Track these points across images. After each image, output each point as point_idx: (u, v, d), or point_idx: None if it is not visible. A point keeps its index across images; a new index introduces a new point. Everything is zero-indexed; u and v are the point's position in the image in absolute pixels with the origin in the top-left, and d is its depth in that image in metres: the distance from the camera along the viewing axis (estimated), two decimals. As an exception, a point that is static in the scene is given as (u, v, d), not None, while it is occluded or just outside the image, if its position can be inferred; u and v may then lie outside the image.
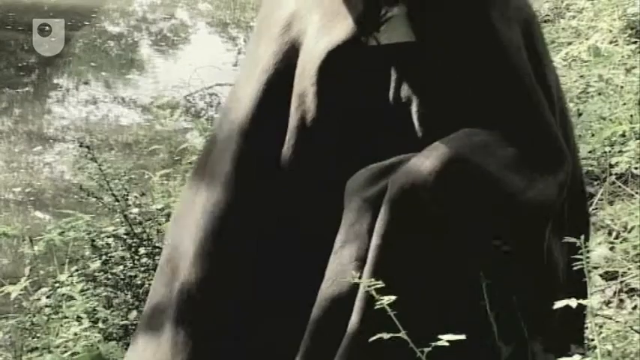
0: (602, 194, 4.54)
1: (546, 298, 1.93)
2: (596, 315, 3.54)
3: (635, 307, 3.71)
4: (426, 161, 1.85)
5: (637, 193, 4.46)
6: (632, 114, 5.23)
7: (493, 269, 1.85)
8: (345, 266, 1.82)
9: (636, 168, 4.65)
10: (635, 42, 6.76)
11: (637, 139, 4.83)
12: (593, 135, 5.06)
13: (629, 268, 3.90)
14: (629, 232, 4.08)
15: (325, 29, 2.00)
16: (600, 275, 3.85)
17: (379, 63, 1.98)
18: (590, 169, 4.75)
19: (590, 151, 4.86)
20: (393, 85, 1.98)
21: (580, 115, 5.46)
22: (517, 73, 1.98)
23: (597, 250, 3.91)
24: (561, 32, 7.52)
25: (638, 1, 7.22)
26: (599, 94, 5.89)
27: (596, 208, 4.46)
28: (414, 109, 1.95)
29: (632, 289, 3.82)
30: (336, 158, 1.99)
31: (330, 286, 1.84)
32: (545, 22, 7.97)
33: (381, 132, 1.98)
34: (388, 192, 1.83)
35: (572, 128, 2.16)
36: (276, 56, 2.04)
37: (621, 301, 3.74)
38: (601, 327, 3.54)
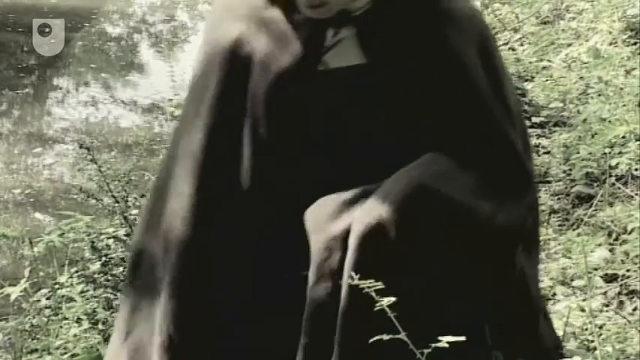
0: (601, 196, 4.54)
1: (523, 319, 1.91)
2: (596, 316, 3.54)
3: (635, 309, 3.71)
4: (389, 195, 1.80)
5: (637, 194, 4.46)
6: (632, 115, 5.23)
7: (466, 293, 1.82)
8: (322, 299, 1.79)
9: (636, 169, 4.65)
10: (635, 43, 6.76)
11: (637, 140, 4.83)
12: (592, 136, 5.06)
13: (628, 270, 3.90)
14: (629, 233, 4.08)
15: (273, 53, 1.94)
16: (600, 277, 3.84)
17: (331, 86, 1.92)
18: (589, 170, 4.75)
19: (589, 153, 4.86)
20: (346, 108, 1.91)
21: (580, 116, 5.46)
22: (477, 94, 1.92)
23: (597, 251, 3.91)
24: (561, 33, 7.52)
25: (637, 2, 7.22)
26: (599, 95, 5.89)
27: (596, 210, 4.46)
28: (368, 132, 1.90)
29: (632, 291, 3.82)
30: (293, 183, 1.94)
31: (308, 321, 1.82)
32: (544, 23, 7.97)
33: (337, 156, 1.91)
34: (355, 230, 1.78)
35: (530, 147, 2.13)
36: (225, 82, 1.97)
37: (621, 302, 3.74)
38: (601, 328, 3.54)
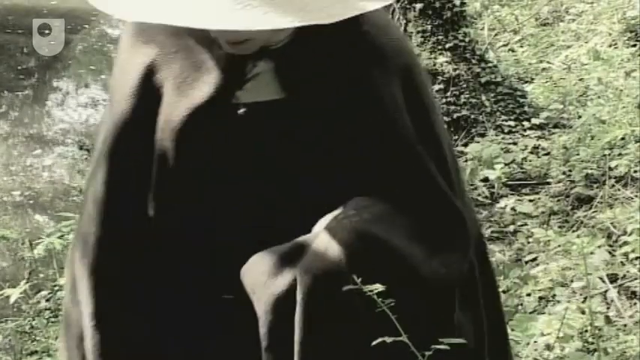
0: (601, 197, 4.54)
1: None
2: (596, 318, 3.54)
3: (635, 311, 3.71)
4: (332, 243, 1.71)
5: (636, 196, 4.46)
6: (632, 117, 5.23)
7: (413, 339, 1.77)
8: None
9: (636, 171, 4.65)
10: (635, 45, 6.77)
11: (636, 142, 4.83)
12: (592, 138, 5.06)
13: (628, 271, 3.90)
14: (629, 235, 4.08)
15: (186, 85, 1.81)
16: (600, 278, 3.85)
17: (246, 121, 1.80)
18: (589, 172, 4.76)
19: (589, 154, 4.86)
20: (261, 144, 1.81)
21: (579, 118, 5.47)
22: (399, 135, 1.81)
23: (597, 253, 3.91)
24: (561, 35, 7.52)
25: (637, 4, 7.23)
26: (599, 97, 5.90)
27: (596, 212, 4.46)
28: (284, 169, 1.80)
29: (632, 293, 3.82)
30: (203, 219, 1.85)
31: None
32: (544, 25, 7.98)
33: (254, 196, 1.83)
34: (300, 286, 1.70)
35: (463, 182, 1.99)
36: (135, 111, 1.85)
37: (621, 303, 3.74)
38: (600, 329, 3.54)
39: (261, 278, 1.75)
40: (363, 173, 1.80)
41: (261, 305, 1.74)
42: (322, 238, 1.74)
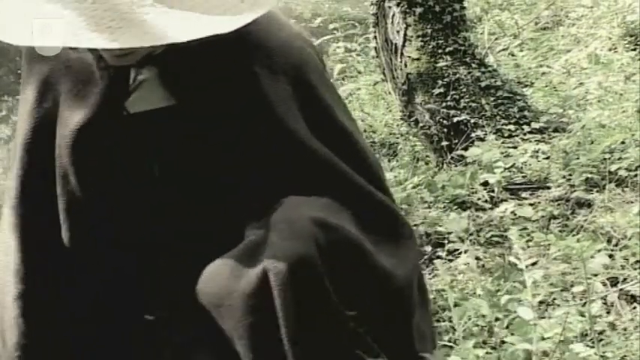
0: (601, 201, 4.54)
1: None
2: (596, 322, 3.54)
3: (635, 315, 3.70)
4: (293, 232, 1.66)
5: (637, 200, 4.46)
6: (632, 121, 5.23)
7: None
8: None
9: (636, 175, 4.65)
10: (635, 49, 6.76)
11: (637, 146, 4.83)
12: (592, 142, 5.06)
13: (628, 276, 3.90)
14: (629, 239, 4.08)
15: (77, 99, 1.78)
16: (600, 282, 3.84)
17: (137, 132, 1.77)
18: (589, 176, 4.75)
19: (589, 159, 4.86)
20: (155, 154, 1.78)
21: (579, 122, 5.47)
22: (291, 131, 1.77)
23: (597, 257, 3.91)
24: (560, 39, 7.52)
25: (637, 8, 7.22)
26: (599, 101, 5.90)
27: (596, 216, 4.46)
28: (186, 179, 1.77)
29: (633, 297, 3.81)
30: (113, 235, 1.81)
31: None
32: (544, 29, 7.97)
33: (159, 204, 1.79)
34: (275, 276, 1.64)
35: (378, 167, 1.88)
36: (34, 132, 1.83)
37: (621, 307, 3.74)
38: (601, 334, 3.53)
39: (225, 284, 1.68)
40: (264, 173, 1.77)
41: (234, 312, 1.67)
42: (281, 228, 1.69)
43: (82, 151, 1.77)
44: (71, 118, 1.78)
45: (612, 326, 3.61)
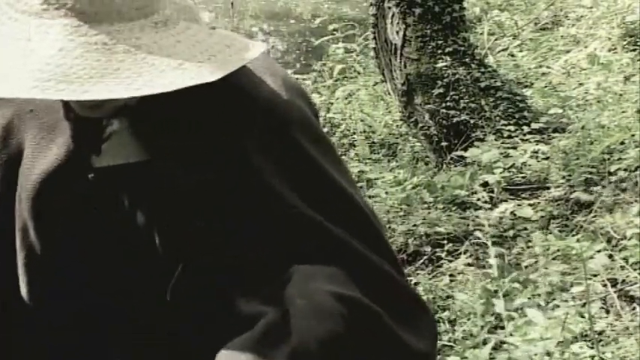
0: (601, 202, 4.54)
1: None
2: (596, 322, 3.54)
3: (634, 315, 3.71)
4: (316, 310, 1.51)
5: (636, 200, 4.46)
6: (631, 122, 5.23)
7: None
8: None
9: (635, 176, 4.65)
10: (634, 50, 6.77)
11: (636, 146, 4.84)
12: (592, 142, 5.07)
13: (627, 276, 3.90)
14: (629, 239, 4.08)
15: (41, 148, 1.62)
16: (599, 283, 3.85)
17: (106, 188, 1.61)
18: (589, 176, 4.76)
19: (589, 159, 4.86)
20: (127, 214, 1.61)
21: (579, 122, 5.47)
22: (281, 201, 1.61)
23: (596, 257, 3.91)
24: (560, 40, 7.53)
25: (636, 9, 7.23)
26: (598, 101, 5.90)
27: (596, 216, 4.46)
28: (159, 242, 1.61)
29: (632, 297, 3.82)
30: (75, 296, 1.66)
31: None
32: (543, 29, 7.98)
33: (126, 266, 1.63)
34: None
35: (380, 227, 1.71)
36: None
37: (621, 308, 3.74)
38: (600, 334, 3.54)
39: None
40: (250, 242, 1.59)
41: None
42: (301, 305, 1.53)
43: (43, 205, 1.62)
44: (33, 169, 1.62)
45: (612, 327, 3.62)
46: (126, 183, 1.61)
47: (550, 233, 4.32)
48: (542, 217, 4.62)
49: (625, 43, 6.95)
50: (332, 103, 7.15)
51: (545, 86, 6.54)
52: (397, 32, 5.83)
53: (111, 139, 1.60)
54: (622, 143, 4.92)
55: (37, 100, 1.61)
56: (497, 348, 3.53)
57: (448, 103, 5.67)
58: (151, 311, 1.64)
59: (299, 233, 1.59)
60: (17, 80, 1.39)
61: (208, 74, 1.43)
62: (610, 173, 4.70)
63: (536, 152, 5.27)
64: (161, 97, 1.44)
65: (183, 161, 1.59)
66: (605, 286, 3.84)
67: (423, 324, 1.62)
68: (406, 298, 1.64)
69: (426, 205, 4.94)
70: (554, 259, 4.07)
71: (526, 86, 6.59)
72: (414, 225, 4.68)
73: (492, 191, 4.93)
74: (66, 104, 1.58)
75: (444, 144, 5.63)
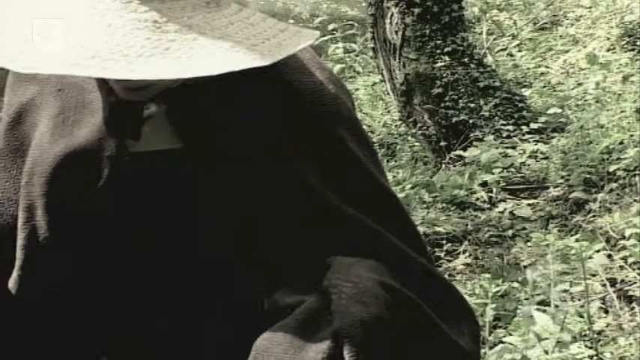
0: (600, 202, 4.54)
1: None
2: (595, 322, 3.54)
3: (633, 315, 3.71)
4: (362, 295, 1.46)
5: (635, 200, 4.46)
6: (630, 122, 5.23)
7: None
8: None
9: (634, 176, 4.65)
10: (633, 49, 6.77)
11: (635, 146, 4.83)
12: (590, 142, 5.07)
13: (626, 276, 3.90)
14: (628, 239, 4.08)
15: (65, 126, 1.54)
16: (599, 283, 3.85)
17: (134, 174, 1.51)
18: (588, 176, 4.76)
19: (588, 159, 4.86)
20: (155, 203, 1.52)
21: (578, 122, 5.47)
22: (320, 197, 1.54)
23: (595, 257, 3.91)
24: (559, 40, 7.53)
25: (635, 9, 7.23)
26: (597, 101, 5.90)
27: (595, 216, 4.46)
28: (188, 236, 1.53)
29: (631, 297, 3.82)
30: (75, 284, 1.57)
31: None
32: (542, 29, 7.98)
33: (141, 261, 1.54)
34: (350, 345, 1.42)
35: (415, 227, 1.68)
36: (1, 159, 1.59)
37: (620, 308, 3.74)
38: (599, 334, 3.54)
39: (287, 357, 1.45)
40: (286, 234, 1.53)
41: None
42: (345, 290, 1.46)
43: (59, 184, 1.52)
44: (54, 145, 1.53)
45: (611, 327, 3.62)
46: (156, 171, 1.52)
47: (549, 233, 4.32)
48: (541, 216, 4.62)
49: (624, 42, 6.95)
50: (331, 103, 7.15)
51: (544, 86, 6.54)
52: (396, 32, 5.83)
53: (145, 125, 1.52)
54: (621, 143, 4.92)
55: (69, 79, 1.56)
56: (493, 345, 3.52)
57: (447, 103, 5.67)
58: (175, 304, 1.55)
59: (339, 231, 1.54)
60: (58, 56, 1.31)
61: (261, 58, 1.36)
62: (609, 173, 4.70)
63: (535, 152, 5.27)
64: (206, 82, 1.38)
65: (220, 149, 1.51)
66: (604, 285, 3.84)
67: (465, 323, 1.58)
68: (450, 298, 1.60)
69: (425, 205, 4.94)
70: (553, 258, 4.07)
71: (525, 86, 6.59)
72: (413, 225, 4.68)
73: (491, 191, 4.93)
74: (106, 84, 1.50)
75: (442, 144, 5.63)
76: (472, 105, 5.66)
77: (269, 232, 1.52)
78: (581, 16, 7.88)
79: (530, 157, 5.22)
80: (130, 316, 1.57)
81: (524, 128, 5.50)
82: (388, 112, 6.74)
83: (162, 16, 1.33)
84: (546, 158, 5.21)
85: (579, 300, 3.72)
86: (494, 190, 4.93)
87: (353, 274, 1.48)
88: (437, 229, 4.63)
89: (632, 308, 3.74)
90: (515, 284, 3.90)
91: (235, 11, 1.41)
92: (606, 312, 3.73)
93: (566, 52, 7.20)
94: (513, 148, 5.31)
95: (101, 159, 1.51)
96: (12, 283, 1.57)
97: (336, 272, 1.49)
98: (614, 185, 4.65)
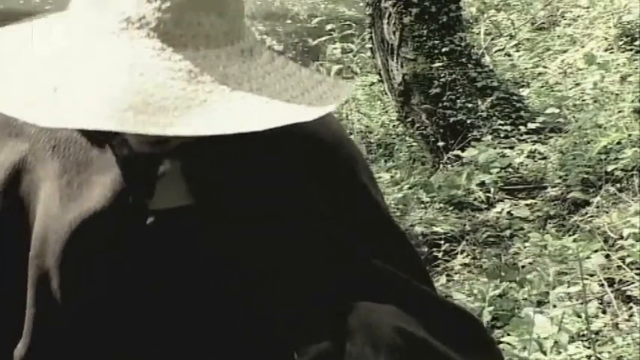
0: (598, 202, 4.54)
1: None
2: (592, 322, 3.54)
3: (631, 315, 3.71)
4: (376, 341, 1.43)
5: (633, 200, 4.46)
6: (628, 122, 5.23)
7: None
8: None
9: (632, 176, 4.65)
10: (631, 50, 6.77)
11: (633, 146, 4.84)
12: (588, 142, 5.07)
13: (624, 276, 3.90)
14: (626, 239, 4.08)
15: (72, 188, 1.43)
16: (596, 283, 3.85)
17: (154, 234, 1.43)
18: (585, 176, 4.76)
19: (585, 159, 4.86)
20: (174, 261, 1.45)
21: (576, 122, 5.47)
22: (341, 240, 1.49)
23: (593, 257, 3.91)
24: (557, 40, 7.53)
25: (633, 9, 7.23)
26: (595, 101, 5.90)
27: (592, 216, 4.46)
28: (205, 297, 1.46)
29: (629, 297, 3.82)
30: (85, 340, 1.48)
31: None
32: (540, 29, 7.99)
33: (160, 323, 1.48)
34: None
35: (414, 251, 1.63)
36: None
37: (618, 308, 3.74)
38: (597, 334, 3.54)
39: None
40: (307, 281, 1.48)
41: None
42: (359, 335, 1.44)
43: (75, 251, 1.43)
44: (66, 212, 1.43)
45: (609, 327, 3.62)
46: (173, 227, 1.43)
47: (547, 233, 4.32)
48: (539, 217, 4.62)
49: (621, 42, 6.95)
50: (329, 103, 7.14)
51: (542, 86, 6.54)
52: (394, 32, 5.82)
53: (160, 181, 1.42)
54: (619, 143, 4.92)
55: (62, 133, 1.44)
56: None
57: (445, 103, 5.67)
58: (190, 356, 1.49)
59: (358, 272, 1.50)
60: (88, 109, 1.19)
61: (304, 112, 1.27)
62: (607, 173, 4.70)
63: (533, 152, 5.27)
64: (224, 135, 1.24)
65: (238, 205, 1.43)
66: (602, 285, 3.84)
67: (486, 352, 1.55)
68: (471, 331, 1.55)
69: (422, 205, 4.94)
70: (550, 259, 4.07)
71: (523, 86, 6.60)
72: (411, 225, 4.68)
73: (489, 191, 4.93)
74: (118, 136, 1.38)
75: (440, 144, 5.63)
76: (470, 105, 5.66)
77: (288, 281, 1.47)
78: (578, 16, 7.89)
79: (528, 157, 5.22)
80: None
81: (522, 128, 5.50)
82: (386, 112, 6.74)
83: (196, 66, 1.23)
84: (544, 158, 5.21)
85: (577, 300, 3.72)
86: (492, 190, 4.93)
87: (373, 318, 1.45)
88: (435, 229, 4.63)
89: (630, 308, 3.74)
90: (513, 284, 3.90)
91: (269, 60, 1.32)
92: (604, 312, 3.73)
93: (564, 52, 7.20)
94: (511, 148, 5.31)
95: (119, 220, 1.42)
96: (18, 352, 1.49)
97: (355, 317, 1.45)
98: (611, 185, 4.66)
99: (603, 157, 4.83)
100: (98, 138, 1.42)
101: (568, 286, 3.81)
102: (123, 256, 1.43)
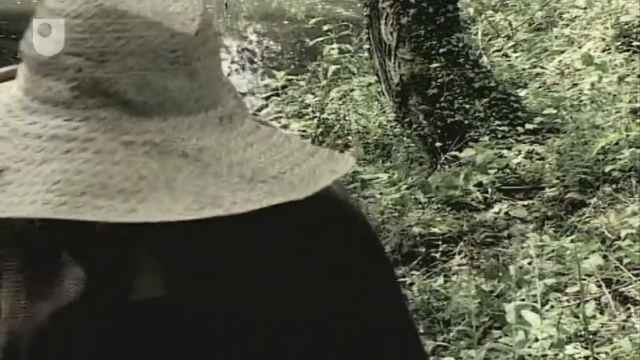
0: (595, 202, 4.54)
1: None
2: (590, 323, 3.54)
3: (629, 316, 3.71)
4: None
5: (630, 201, 4.46)
6: (626, 122, 5.24)
7: None
8: None
9: (629, 176, 4.65)
10: (628, 50, 6.77)
11: (630, 147, 4.84)
12: (586, 143, 5.07)
13: (621, 277, 3.90)
14: (623, 240, 4.09)
15: (37, 283, 1.30)
16: (594, 283, 3.85)
17: (128, 324, 1.29)
18: (583, 177, 4.76)
19: (583, 159, 4.86)
20: (151, 352, 1.29)
21: (573, 122, 5.47)
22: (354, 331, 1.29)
23: (591, 258, 3.91)
24: (554, 40, 7.53)
25: (631, 9, 7.24)
26: (593, 102, 5.90)
27: (590, 217, 4.46)
28: None
29: (626, 297, 3.82)
30: None
31: None
32: (538, 30, 7.99)
33: None
34: None
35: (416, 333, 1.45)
36: None
37: (615, 308, 3.74)
38: (595, 334, 3.54)
39: None
40: None
41: None
42: None
43: (50, 348, 1.32)
44: (35, 312, 1.30)
45: (606, 327, 3.62)
46: (153, 319, 1.29)
47: (544, 234, 4.32)
48: (537, 217, 4.62)
49: (619, 43, 6.95)
50: (326, 104, 7.15)
51: (540, 87, 6.54)
52: (391, 33, 5.82)
53: (136, 268, 1.27)
54: (616, 144, 4.93)
55: (22, 222, 1.27)
56: (491, 348, 3.52)
57: (442, 104, 5.67)
58: None
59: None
60: (35, 194, 1.04)
61: (294, 189, 1.10)
62: (604, 174, 4.70)
63: (531, 153, 5.27)
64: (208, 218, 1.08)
65: (218, 293, 1.26)
66: (599, 286, 3.84)
67: None
68: None
69: (420, 206, 4.94)
70: (548, 259, 4.07)
71: (520, 87, 6.60)
72: (409, 225, 4.68)
73: (487, 192, 4.93)
74: (79, 222, 1.15)
75: (438, 144, 5.63)
76: (467, 106, 5.66)
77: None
78: (576, 17, 7.89)
79: (525, 157, 5.22)
80: None
81: (520, 129, 5.50)
82: (384, 112, 6.73)
83: (164, 138, 1.07)
84: (542, 159, 5.21)
85: (575, 301, 3.72)
86: (490, 190, 4.93)
87: None
88: (432, 229, 4.63)
89: (628, 309, 3.74)
90: (511, 285, 3.90)
91: (252, 129, 1.13)
92: (602, 313, 3.73)
93: (562, 52, 7.20)
94: (509, 148, 5.31)
95: (94, 314, 1.29)
96: None
97: None
98: (609, 186, 4.66)
99: (601, 157, 4.83)
100: (51, 223, 1.17)
101: (566, 287, 3.82)
102: (99, 347, 1.31)
